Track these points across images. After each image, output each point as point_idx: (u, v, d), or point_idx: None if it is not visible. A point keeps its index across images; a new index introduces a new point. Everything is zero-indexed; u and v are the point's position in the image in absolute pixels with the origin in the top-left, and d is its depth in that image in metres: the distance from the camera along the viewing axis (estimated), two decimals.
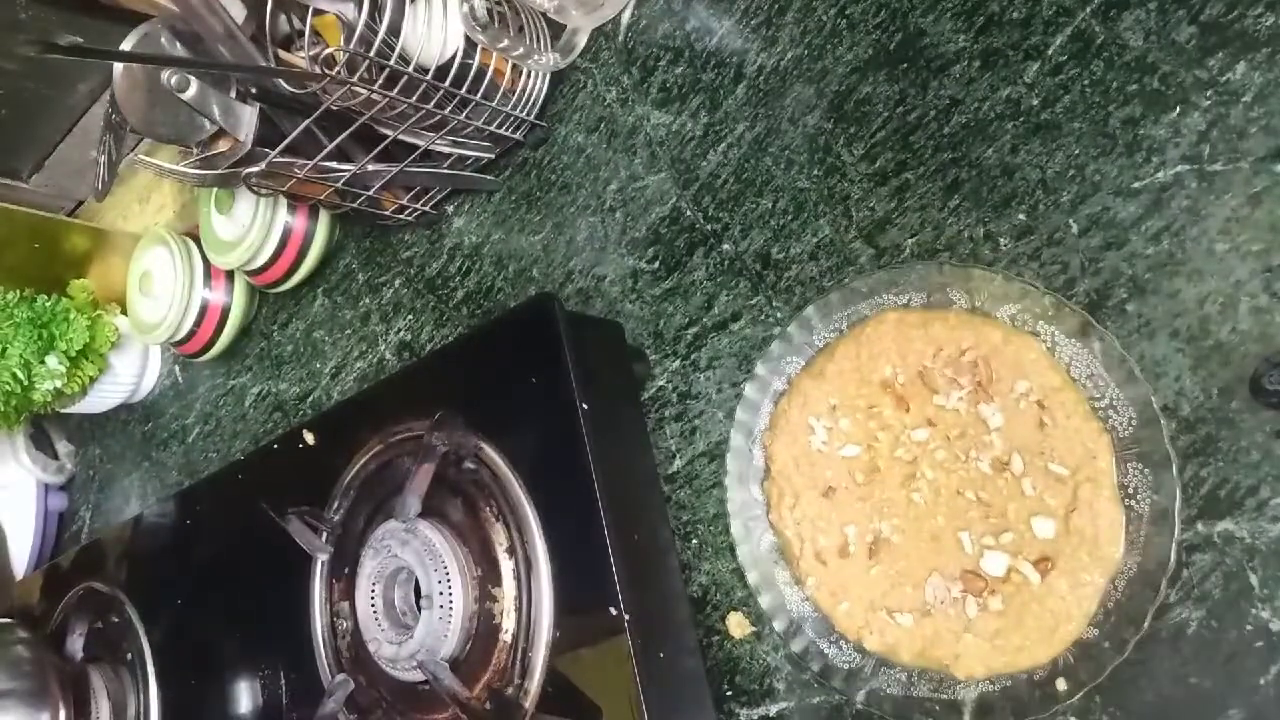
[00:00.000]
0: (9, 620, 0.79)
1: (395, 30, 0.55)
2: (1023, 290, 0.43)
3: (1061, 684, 0.40)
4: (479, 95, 0.60)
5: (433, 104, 0.58)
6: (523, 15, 0.61)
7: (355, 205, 0.66)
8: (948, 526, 0.43)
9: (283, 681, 0.61)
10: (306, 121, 0.58)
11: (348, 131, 0.59)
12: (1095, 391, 0.42)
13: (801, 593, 0.47)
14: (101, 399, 0.96)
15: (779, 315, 0.52)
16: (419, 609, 0.51)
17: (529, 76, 0.63)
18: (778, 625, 0.47)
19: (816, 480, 0.47)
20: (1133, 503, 0.40)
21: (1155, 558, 0.38)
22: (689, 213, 0.57)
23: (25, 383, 0.85)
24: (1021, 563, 0.41)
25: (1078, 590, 0.40)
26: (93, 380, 0.92)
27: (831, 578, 0.46)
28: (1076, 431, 0.41)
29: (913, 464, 0.45)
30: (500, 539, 0.50)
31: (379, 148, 0.61)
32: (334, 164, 0.62)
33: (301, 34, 0.57)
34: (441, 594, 0.50)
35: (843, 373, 0.47)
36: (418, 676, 0.50)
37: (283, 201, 0.75)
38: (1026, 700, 0.40)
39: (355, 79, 0.53)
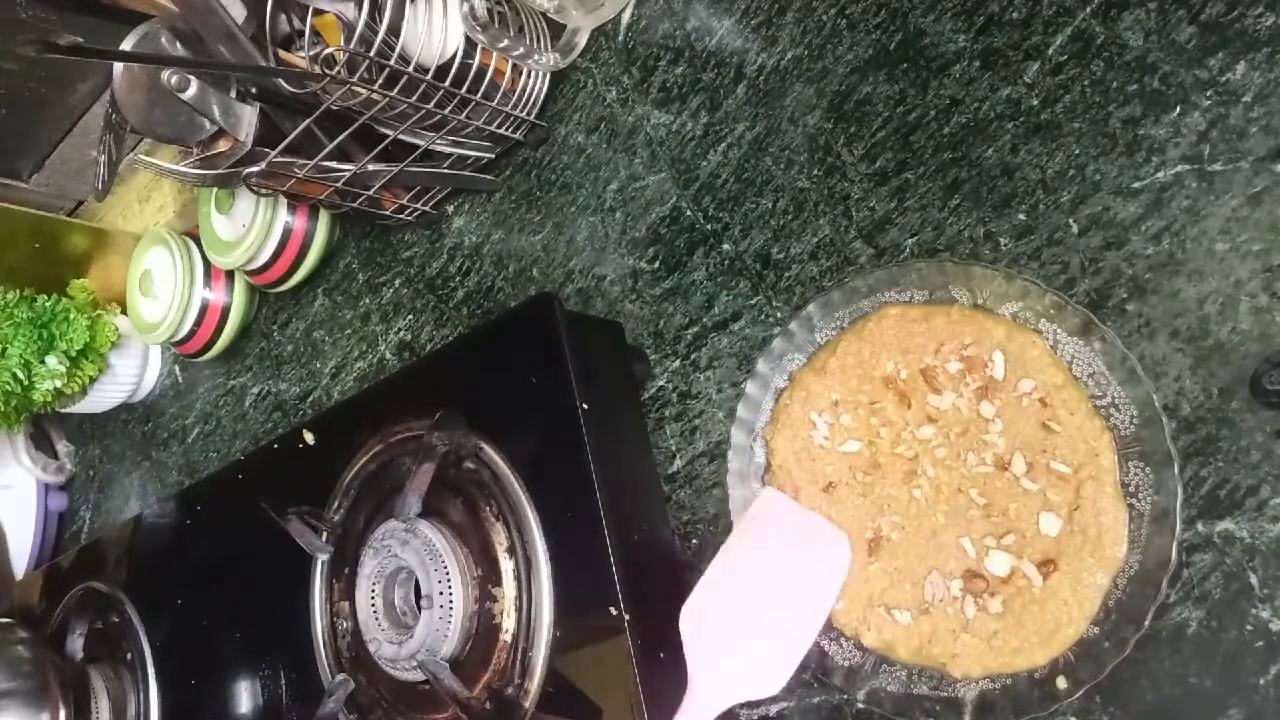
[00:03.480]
0: (9, 620, 0.79)
1: (395, 30, 0.55)
2: (1024, 288, 0.43)
3: (1062, 682, 0.40)
4: (479, 95, 0.60)
5: (433, 104, 0.58)
6: (523, 15, 0.61)
7: (355, 205, 0.66)
8: (948, 524, 0.43)
9: (283, 681, 0.61)
10: (307, 121, 0.58)
11: (348, 131, 0.59)
12: (1097, 390, 0.42)
13: None
14: (101, 399, 0.96)
15: (779, 315, 0.52)
16: (419, 609, 0.51)
17: (529, 76, 0.63)
18: None
19: (817, 475, 0.47)
20: (1134, 501, 0.40)
21: (1156, 557, 0.38)
22: (689, 213, 0.57)
23: (25, 383, 0.86)
24: (1025, 564, 0.41)
25: (1079, 592, 0.40)
26: (93, 380, 0.92)
27: None
28: (1079, 429, 0.41)
29: (914, 461, 0.45)
30: (500, 539, 0.50)
31: (379, 148, 0.61)
32: (334, 164, 0.62)
33: (301, 34, 0.57)
34: (442, 594, 0.50)
35: (845, 368, 0.47)
36: (418, 676, 0.50)
37: (283, 201, 0.75)
38: (1027, 699, 0.40)
39: (355, 79, 0.53)
